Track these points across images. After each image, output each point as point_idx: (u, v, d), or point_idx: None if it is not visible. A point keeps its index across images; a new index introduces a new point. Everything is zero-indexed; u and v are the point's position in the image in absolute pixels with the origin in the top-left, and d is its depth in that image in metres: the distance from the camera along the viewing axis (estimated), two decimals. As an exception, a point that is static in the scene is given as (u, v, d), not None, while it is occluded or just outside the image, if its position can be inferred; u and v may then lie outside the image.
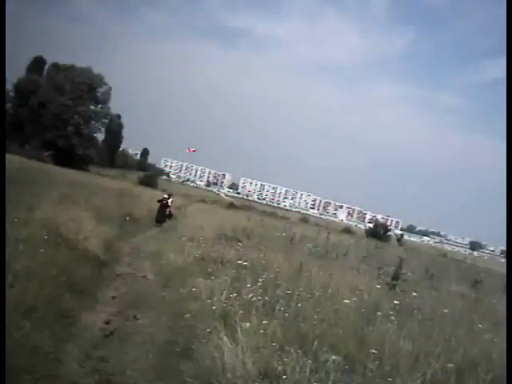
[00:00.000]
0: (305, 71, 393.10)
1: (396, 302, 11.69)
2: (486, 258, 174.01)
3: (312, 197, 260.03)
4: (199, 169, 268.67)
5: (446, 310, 12.47)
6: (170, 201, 33.59)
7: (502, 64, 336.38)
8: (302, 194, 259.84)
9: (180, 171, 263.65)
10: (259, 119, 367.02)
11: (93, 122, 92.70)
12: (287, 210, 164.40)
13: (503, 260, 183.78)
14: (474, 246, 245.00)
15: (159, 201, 33.16)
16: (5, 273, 7.92)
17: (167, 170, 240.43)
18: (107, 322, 9.29)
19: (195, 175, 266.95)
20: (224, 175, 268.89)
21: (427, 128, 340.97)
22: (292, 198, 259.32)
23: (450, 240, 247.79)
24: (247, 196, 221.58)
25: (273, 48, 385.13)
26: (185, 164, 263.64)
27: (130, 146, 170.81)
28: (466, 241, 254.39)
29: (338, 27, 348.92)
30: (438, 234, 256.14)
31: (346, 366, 6.90)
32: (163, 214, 32.41)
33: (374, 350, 7.55)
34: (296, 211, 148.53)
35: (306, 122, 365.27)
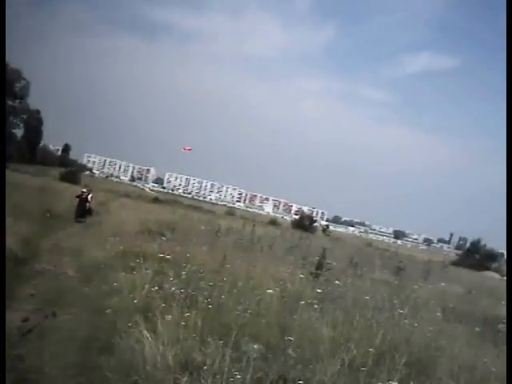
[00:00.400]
0: (228, 66, 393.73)
1: (319, 290, 11.85)
2: (409, 246, 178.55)
3: (238, 190, 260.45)
4: (123, 164, 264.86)
5: (368, 297, 12.70)
6: (89, 196, 32.92)
7: (422, 58, 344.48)
8: (227, 188, 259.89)
9: (103, 167, 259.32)
10: (182, 113, 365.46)
11: (11, 118, 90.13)
12: (213, 203, 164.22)
13: (425, 247, 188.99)
14: (398, 234, 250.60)
15: (78, 196, 32.49)
16: (5, 272, 8.12)
17: (90, 165, 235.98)
18: (25, 320, 9.01)
19: (119, 170, 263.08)
20: (148, 170, 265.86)
21: (351, 121, 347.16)
22: (218, 192, 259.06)
23: (374, 230, 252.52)
24: (172, 190, 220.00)
25: (196, 42, 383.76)
26: (108, 159, 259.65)
27: (53, 141, 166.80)
28: (390, 230, 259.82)
29: (261, 22, 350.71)
30: (363, 224, 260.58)
31: (268, 355, 6.89)
32: (83, 210, 31.77)
33: (295, 338, 7.60)
34: (222, 205, 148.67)
35: (230, 116, 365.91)
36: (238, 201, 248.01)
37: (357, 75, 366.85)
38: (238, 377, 6.03)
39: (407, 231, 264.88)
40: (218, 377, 5.98)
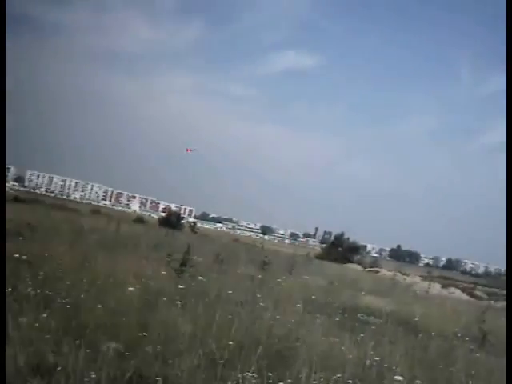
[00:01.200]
0: (94, 61, 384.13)
1: (182, 286, 11.83)
2: (276, 241, 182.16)
3: (103, 188, 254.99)
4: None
5: (231, 292, 12.82)
6: None
7: (287, 56, 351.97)
8: (92, 186, 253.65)
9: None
10: (47, 110, 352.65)
11: None
12: (78, 202, 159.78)
13: (291, 242, 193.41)
14: (265, 230, 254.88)
15: None
16: (5, 273, 8.10)
17: None
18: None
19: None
20: (8, 168, 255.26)
21: (219, 117, 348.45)
22: (83, 191, 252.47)
23: (242, 226, 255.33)
24: (34, 189, 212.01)
25: (59, 38, 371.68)
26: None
27: None
28: (258, 226, 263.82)
29: (127, 18, 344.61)
30: (231, 221, 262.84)
31: (126, 353, 6.78)
32: None
33: (155, 335, 7.54)
34: (87, 203, 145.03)
35: (97, 112, 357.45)
36: (103, 199, 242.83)
37: (225, 72, 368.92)
38: (93, 376, 5.90)
39: (274, 226, 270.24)
40: (71, 378, 5.81)
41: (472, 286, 59.33)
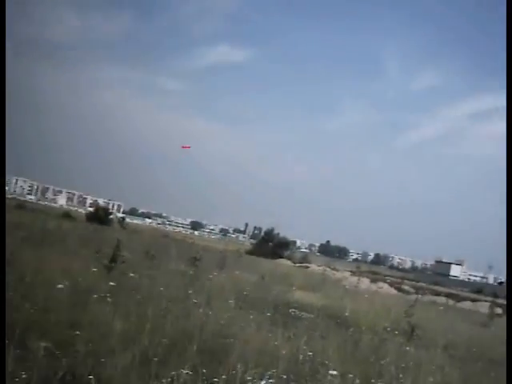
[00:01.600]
0: (16, 50, 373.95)
1: (112, 283, 11.64)
2: (206, 236, 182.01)
3: (28, 182, 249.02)
4: None
5: (163, 288, 12.71)
6: None
7: (219, 49, 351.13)
8: (17, 180, 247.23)
9: None
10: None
11: None
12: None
13: (222, 237, 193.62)
14: (195, 225, 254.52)
15: None
16: (5, 273, 7.90)
17: None
18: None
19: None
20: None
21: (148, 110, 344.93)
22: (7, 185, 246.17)
23: (172, 221, 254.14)
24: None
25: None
26: None
27: None
28: (188, 221, 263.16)
29: (54, 7, 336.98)
30: (161, 216, 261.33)
31: (57, 351, 6.60)
32: None
33: (86, 333, 7.38)
34: (11, 198, 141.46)
35: (20, 103, 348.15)
36: (28, 193, 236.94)
37: (155, 65, 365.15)
38: (24, 376, 5.73)
39: (204, 222, 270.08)
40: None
41: (399, 280, 60.91)
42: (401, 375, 8.30)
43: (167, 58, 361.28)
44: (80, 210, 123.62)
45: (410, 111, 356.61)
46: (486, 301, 44.44)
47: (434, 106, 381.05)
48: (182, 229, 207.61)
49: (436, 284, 71.90)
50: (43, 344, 6.60)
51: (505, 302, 49.21)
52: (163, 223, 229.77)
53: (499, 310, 37.93)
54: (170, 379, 6.27)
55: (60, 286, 9.99)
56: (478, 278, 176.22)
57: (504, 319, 34.48)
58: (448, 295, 48.83)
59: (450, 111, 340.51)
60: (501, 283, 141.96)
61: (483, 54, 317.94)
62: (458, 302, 45.42)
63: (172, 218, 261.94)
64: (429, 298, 39.84)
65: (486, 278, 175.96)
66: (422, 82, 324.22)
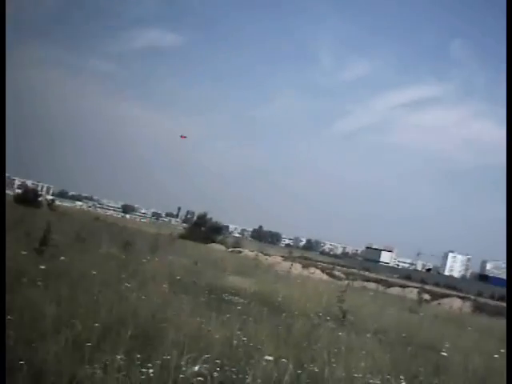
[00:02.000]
0: None
1: (43, 267, 11.42)
2: (138, 220, 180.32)
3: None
4: None
5: (95, 272, 12.54)
6: None
7: (150, 32, 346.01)
8: None
9: None
10: None
11: None
12: None
13: (154, 221, 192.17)
14: (127, 209, 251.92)
15: None
16: (5, 273, 8.01)
17: None
18: None
19: None
20: None
21: (78, 93, 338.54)
22: None
23: (103, 204, 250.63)
24: None
25: None
26: None
27: None
28: (119, 204, 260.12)
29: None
30: (91, 199, 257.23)
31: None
32: None
33: (16, 318, 7.23)
34: None
35: None
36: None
37: (86, 47, 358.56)
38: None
39: (136, 205, 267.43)
40: None
41: (331, 266, 61.75)
42: (333, 360, 8.40)
43: (99, 39, 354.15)
44: (8, 192, 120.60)
45: (342, 100, 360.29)
46: (414, 287, 45.51)
47: (365, 95, 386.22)
48: (113, 212, 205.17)
49: (366, 270, 73.21)
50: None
51: (433, 288, 50.82)
52: (94, 206, 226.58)
53: (427, 296, 39.08)
54: (103, 364, 6.18)
55: (-12, 269, 9.71)
56: (406, 265, 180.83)
57: (432, 305, 35.66)
58: (378, 281, 49.84)
59: (381, 101, 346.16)
60: (428, 270, 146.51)
61: (415, 44, 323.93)
62: (388, 287, 46.42)
63: (103, 201, 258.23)
64: (359, 283, 40.52)
65: (415, 265, 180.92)
66: (354, 71, 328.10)
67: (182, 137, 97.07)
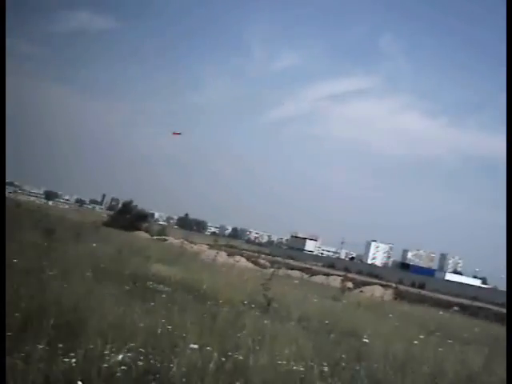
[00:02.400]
0: None
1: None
2: (61, 206, 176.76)
3: None
4: None
5: (16, 260, 12.28)
6: None
7: (81, 15, 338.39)
8: None
9: None
10: None
11: None
12: None
13: (77, 208, 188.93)
14: (50, 195, 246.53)
15: None
16: (5, 273, 8.10)
17: None
18: None
19: None
20: None
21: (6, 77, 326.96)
22: None
23: (25, 190, 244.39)
24: None
25: None
26: None
27: None
28: (42, 191, 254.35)
29: None
30: (13, 185, 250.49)
31: None
32: None
33: None
34: None
35: None
36: None
37: (13, 29, 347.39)
38: None
39: (59, 192, 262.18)
40: None
41: (256, 254, 62.24)
42: (257, 347, 8.48)
43: (28, 21, 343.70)
44: None
45: (272, 89, 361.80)
46: (338, 275, 46.39)
47: (295, 86, 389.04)
48: (35, 198, 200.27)
49: (291, 258, 74.09)
50: None
51: (356, 276, 51.89)
52: (15, 192, 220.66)
53: (350, 284, 39.92)
54: (24, 354, 6.06)
55: None
56: (330, 253, 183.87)
57: (354, 293, 36.44)
58: (303, 269, 50.60)
59: (309, 91, 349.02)
60: (352, 258, 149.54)
61: (345, 37, 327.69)
62: (312, 275, 47.19)
63: (25, 188, 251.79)
64: (284, 271, 41.06)
65: (339, 254, 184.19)
66: (284, 61, 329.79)
67: (174, 133, 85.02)
